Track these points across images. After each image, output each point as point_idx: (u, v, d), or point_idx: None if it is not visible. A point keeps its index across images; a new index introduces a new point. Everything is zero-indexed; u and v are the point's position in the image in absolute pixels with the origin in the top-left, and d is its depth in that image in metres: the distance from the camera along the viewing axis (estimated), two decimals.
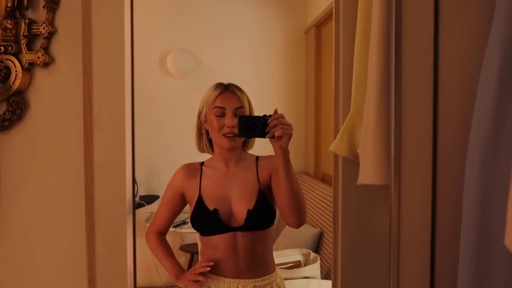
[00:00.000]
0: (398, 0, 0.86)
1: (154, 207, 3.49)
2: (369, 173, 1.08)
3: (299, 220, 1.28)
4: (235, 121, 1.26)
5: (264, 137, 1.17)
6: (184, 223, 3.16)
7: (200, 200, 1.32)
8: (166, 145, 3.48)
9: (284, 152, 1.18)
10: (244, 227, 1.31)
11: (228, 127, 1.27)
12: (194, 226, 1.35)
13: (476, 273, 0.74)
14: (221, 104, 1.30)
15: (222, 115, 1.29)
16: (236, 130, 1.24)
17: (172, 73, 3.54)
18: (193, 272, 1.28)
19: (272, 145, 1.18)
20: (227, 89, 1.33)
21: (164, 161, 3.36)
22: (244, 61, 3.62)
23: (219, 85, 1.35)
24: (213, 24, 3.58)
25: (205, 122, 1.35)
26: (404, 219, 0.84)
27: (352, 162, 1.25)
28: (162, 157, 3.41)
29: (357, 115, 1.23)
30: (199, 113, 1.37)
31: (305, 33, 3.67)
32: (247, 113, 1.32)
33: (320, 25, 3.35)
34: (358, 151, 1.20)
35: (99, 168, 0.86)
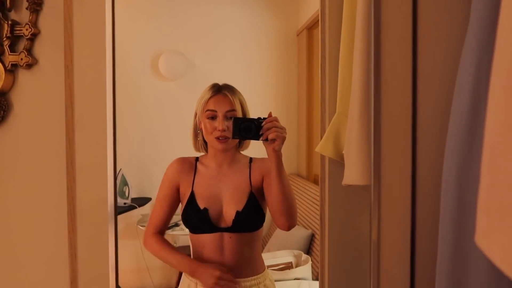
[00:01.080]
0: (377, 6, 0.88)
1: (146, 209, 3.48)
2: (353, 173, 1.09)
3: (290, 222, 1.29)
4: (226, 124, 1.27)
5: (258, 139, 1.18)
6: (176, 225, 3.15)
7: (192, 197, 1.32)
8: (158, 147, 3.48)
9: (277, 155, 1.20)
10: (232, 228, 1.31)
11: (219, 130, 1.27)
12: (184, 222, 1.36)
13: (453, 272, 0.75)
14: (213, 107, 1.31)
15: (214, 117, 1.30)
16: (227, 134, 1.25)
17: (164, 75, 3.54)
18: (220, 275, 1.25)
19: (266, 147, 1.20)
20: (219, 92, 1.33)
21: (155, 163, 3.35)
22: (236, 63, 3.63)
23: (213, 87, 1.35)
24: (206, 26, 3.59)
25: (199, 123, 1.36)
26: (384, 219, 0.85)
27: (338, 163, 1.26)
28: (153, 159, 3.40)
29: (342, 116, 1.24)
30: (195, 114, 1.38)
31: (297, 35, 3.68)
32: (240, 115, 1.33)
33: (311, 27, 3.37)
34: (343, 152, 1.21)
35: (80, 169, 0.87)
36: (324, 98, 1.33)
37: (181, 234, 3.17)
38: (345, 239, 1.32)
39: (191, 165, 1.36)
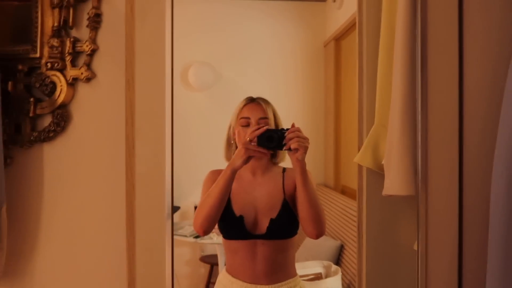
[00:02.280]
0: (423, 13, 0.89)
1: (174, 218, 3.53)
2: (394, 184, 1.10)
3: (317, 231, 1.29)
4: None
5: (281, 149, 1.23)
6: None
7: (228, 204, 1.35)
8: (187, 157, 3.54)
9: (300, 164, 1.23)
10: (266, 236, 1.34)
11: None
12: (219, 228, 1.39)
13: (503, 284, 0.75)
14: (246, 114, 1.35)
15: (247, 125, 1.34)
16: None
17: (193, 85, 3.62)
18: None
19: (290, 157, 1.24)
20: (253, 101, 1.38)
21: (185, 172, 3.40)
22: (263, 74, 3.67)
23: (247, 98, 1.40)
24: (233, 39, 3.66)
25: (233, 134, 1.39)
26: (432, 230, 0.86)
27: (376, 173, 1.27)
28: (183, 168, 3.45)
29: (381, 127, 1.26)
30: (230, 125, 1.42)
31: (324, 46, 3.71)
32: (272, 124, 1.37)
33: (339, 38, 3.39)
34: (382, 162, 1.22)
35: (140, 177, 0.91)
36: (362, 109, 1.34)
37: (208, 243, 3.21)
38: (383, 250, 1.32)
39: None
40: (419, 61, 0.88)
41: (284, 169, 1.44)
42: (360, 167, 1.33)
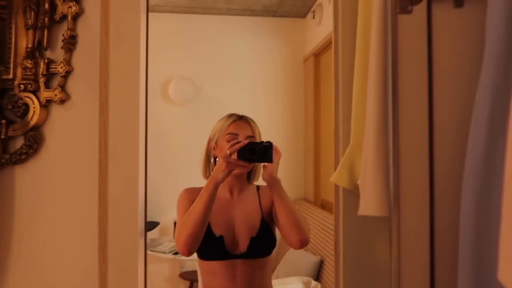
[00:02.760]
0: (394, 35, 0.92)
1: (154, 233, 3.48)
2: (369, 204, 1.12)
3: (300, 236, 1.28)
4: None
5: (263, 161, 1.27)
6: None
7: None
8: (166, 171, 3.51)
9: (271, 176, 1.28)
10: (246, 255, 1.33)
11: None
12: (197, 250, 1.37)
13: None
14: (235, 130, 1.35)
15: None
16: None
17: (173, 100, 3.61)
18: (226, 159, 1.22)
19: (265, 171, 1.28)
20: (241, 118, 1.39)
21: (163, 187, 3.38)
22: (244, 89, 3.70)
23: (233, 115, 1.40)
24: (215, 53, 3.68)
25: (214, 149, 1.39)
26: (404, 250, 0.88)
27: (353, 192, 1.29)
28: (161, 183, 3.43)
29: (356, 147, 1.28)
30: (209, 140, 1.41)
31: (304, 61, 3.76)
32: None
33: (318, 54, 3.45)
34: (358, 182, 1.24)
35: (113, 201, 0.90)
36: (338, 129, 1.37)
37: (188, 259, 3.17)
38: (359, 268, 1.33)
39: None
40: (388, 85, 0.91)
41: (258, 187, 1.44)
42: (337, 186, 1.35)
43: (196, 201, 1.24)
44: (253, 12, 3.62)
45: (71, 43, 1.00)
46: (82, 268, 0.95)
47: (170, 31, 3.63)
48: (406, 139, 0.92)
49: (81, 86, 1.00)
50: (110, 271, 0.89)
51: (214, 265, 1.32)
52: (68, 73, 1.01)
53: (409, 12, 0.97)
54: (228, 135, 1.34)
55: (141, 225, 0.86)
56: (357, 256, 1.32)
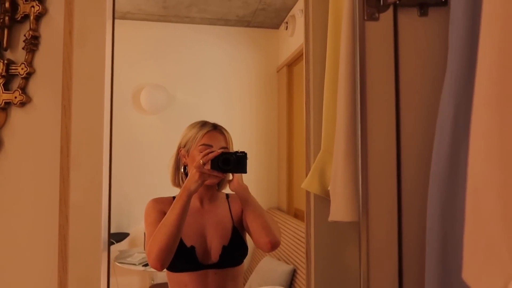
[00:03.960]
0: (362, 42, 0.94)
1: (123, 245, 3.39)
2: (339, 210, 1.12)
3: (270, 237, 1.28)
4: None
5: (237, 171, 1.27)
6: None
7: None
8: (137, 181, 3.44)
9: (240, 185, 1.30)
10: (218, 264, 1.31)
11: None
12: None
13: None
14: (209, 142, 1.33)
15: None
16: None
17: (145, 108, 3.56)
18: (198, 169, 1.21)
19: (234, 179, 1.29)
20: (215, 128, 1.37)
21: (135, 197, 3.31)
22: (217, 98, 3.69)
23: (206, 124, 1.38)
24: (188, 62, 3.67)
25: (184, 157, 1.36)
26: (373, 254, 0.88)
27: (324, 199, 1.29)
28: (132, 193, 3.35)
29: (327, 153, 1.29)
30: (179, 147, 1.39)
31: (277, 71, 3.80)
32: None
33: (291, 64, 3.49)
34: (328, 188, 1.25)
35: (74, 208, 0.86)
36: (309, 136, 1.37)
37: (159, 271, 3.09)
38: (331, 274, 1.33)
39: (169, 204, 1.31)
40: (357, 92, 0.92)
41: (227, 195, 1.43)
42: (308, 192, 1.35)
43: (168, 212, 1.22)
44: (226, 22, 3.63)
45: (33, 43, 0.96)
46: (40, 278, 0.90)
47: (143, 39, 3.59)
48: (374, 144, 0.94)
49: (44, 88, 0.96)
50: (71, 281, 0.85)
51: (185, 276, 1.29)
52: (29, 75, 0.97)
53: (376, 19, 0.99)
54: (202, 146, 1.32)
55: (104, 234, 0.83)
56: (328, 263, 1.32)
